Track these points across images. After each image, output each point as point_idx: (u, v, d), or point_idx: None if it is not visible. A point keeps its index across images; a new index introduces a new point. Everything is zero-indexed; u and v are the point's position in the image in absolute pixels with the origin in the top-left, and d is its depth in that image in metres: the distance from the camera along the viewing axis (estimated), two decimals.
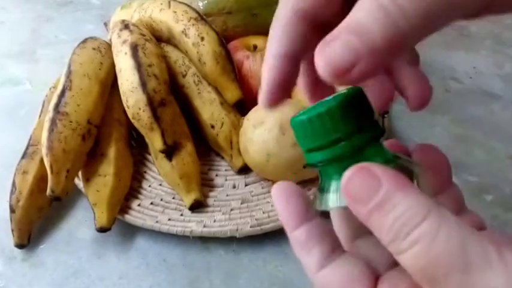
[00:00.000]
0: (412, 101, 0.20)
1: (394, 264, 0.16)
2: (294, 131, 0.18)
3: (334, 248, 0.18)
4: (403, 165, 0.17)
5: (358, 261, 0.17)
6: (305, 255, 0.18)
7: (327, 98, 0.18)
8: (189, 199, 0.41)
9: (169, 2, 0.47)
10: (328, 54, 0.14)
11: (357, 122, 0.17)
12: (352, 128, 0.17)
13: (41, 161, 0.41)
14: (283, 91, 0.19)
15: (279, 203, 0.19)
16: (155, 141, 0.41)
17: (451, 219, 0.14)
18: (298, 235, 0.18)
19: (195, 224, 0.40)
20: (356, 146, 0.17)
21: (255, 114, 0.41)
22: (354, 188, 0.15)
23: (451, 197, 0.18)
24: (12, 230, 0.40)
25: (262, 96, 0.19)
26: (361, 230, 0.19)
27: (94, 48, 0.44)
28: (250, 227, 0.39)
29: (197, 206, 0.42)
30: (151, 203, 0.43)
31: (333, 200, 0.17)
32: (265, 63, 0.19)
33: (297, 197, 0.18)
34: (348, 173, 0.15)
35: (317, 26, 0.18)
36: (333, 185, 0.17)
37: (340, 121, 0.17)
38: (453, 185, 0.19)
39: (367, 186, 0.15)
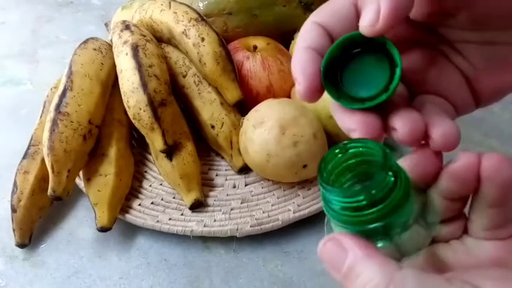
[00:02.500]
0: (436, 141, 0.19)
1: None
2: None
3: None
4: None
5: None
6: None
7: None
8: (189, 199, 0.42)
9: (169, 3, 0.47)
10: None
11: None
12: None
13: (42, 161, 0.41)
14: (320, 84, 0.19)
15: None
16: (156, 141, 0.41)
17: (414, 281, 0.15)
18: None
19: (195, 224, 0.40)
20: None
21: (255, 114, 0.42)
22: (327, 256, 0.17)
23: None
24: (14, 230, 0.40)
25: (302, 89, 0.19)
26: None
27: (95, 49, 0.45)
28: (250, 226, 0.40)
29: (197, 206, 0.42)
30: (152, 203, 0.43)
31: None
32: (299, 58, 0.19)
33: None
34: (322, 242, 0.17)
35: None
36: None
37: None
38: None
39: (336, 255, 0.17)
